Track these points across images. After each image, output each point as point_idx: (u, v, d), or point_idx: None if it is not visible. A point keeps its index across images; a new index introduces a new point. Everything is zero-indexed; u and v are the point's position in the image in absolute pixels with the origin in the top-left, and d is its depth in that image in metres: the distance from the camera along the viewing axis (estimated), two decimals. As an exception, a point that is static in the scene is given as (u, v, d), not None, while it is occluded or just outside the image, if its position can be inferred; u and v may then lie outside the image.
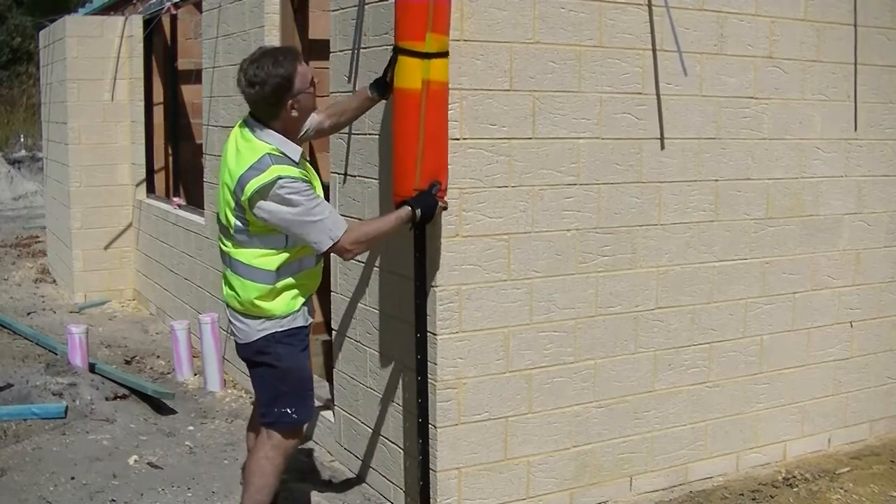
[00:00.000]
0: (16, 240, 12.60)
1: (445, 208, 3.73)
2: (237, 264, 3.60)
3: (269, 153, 3.46)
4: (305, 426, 3.77)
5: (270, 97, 3.48)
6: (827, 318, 4.91)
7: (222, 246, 3.68)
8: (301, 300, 3.65)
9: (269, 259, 3.55)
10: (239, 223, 3.53)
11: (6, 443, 4.92)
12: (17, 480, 4.44)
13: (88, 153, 8.67)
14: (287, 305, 3.61)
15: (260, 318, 3.60)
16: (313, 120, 3.87)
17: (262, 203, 3.41)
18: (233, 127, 3.68)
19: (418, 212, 3.58)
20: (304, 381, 3.71)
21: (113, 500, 4.27)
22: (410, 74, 3.53)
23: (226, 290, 3.69)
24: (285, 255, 3.56)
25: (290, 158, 3.50)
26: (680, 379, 4.46)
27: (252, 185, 3.40)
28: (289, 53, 3.54)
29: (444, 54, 3.59)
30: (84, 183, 8.68)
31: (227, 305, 3.72)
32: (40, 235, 12.34)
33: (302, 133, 3.79)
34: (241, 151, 3.53)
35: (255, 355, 3.67)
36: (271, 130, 3.54)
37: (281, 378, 3.65)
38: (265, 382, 3.71)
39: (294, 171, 3.45)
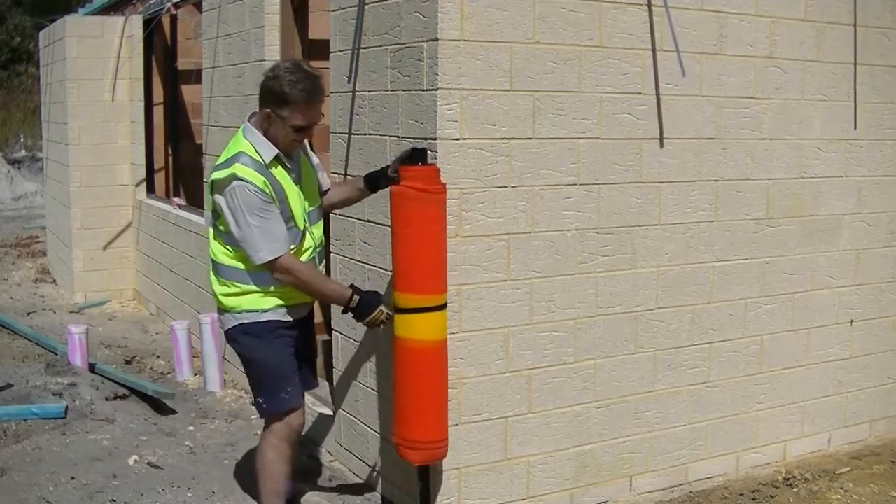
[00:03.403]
0: (16, 240, 12.59)
1: (384, 323, 3.67)
2: (211, 258, 3.67)
3: (243, 150, 3.52)
4: (296, 417, 3.72)
5: (261, 91, 3.55)
6: (827, 318, 4.91)
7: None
8: (275, 302, 3.62)
9: (241, 257, 3.57)
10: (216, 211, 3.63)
11: (6, 443, 4.92)
12: (17, 480, 4.44)
13: (88, 153, 8.67)
14: (252, 304, 3.60)
15: (227, 312, 3.65)
16: (325, 183, 3.94)
17: (216, 197, 3.53)
18: (232, 127, 3.70)
19: (355, 299, 3.58)
20: (272, 372, 3.65)
21: (113, 500, 4.26)
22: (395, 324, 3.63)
23: None
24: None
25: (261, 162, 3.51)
26: (680, 379, 4.46)
27: (213, 175, 3.52)
28: (309, 84, 3.49)
29: (420, 311, 3.54)
30: (84, 183, 8.68)
31: None
32: (40, 235, 12.33)
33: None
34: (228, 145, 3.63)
35: (231, 344, 3.75)
36: (255, 129, 3.58)
37: (248, 366, 3.72)
38: (246, 372, 3.78)
39: (258, 179, 3.44)
